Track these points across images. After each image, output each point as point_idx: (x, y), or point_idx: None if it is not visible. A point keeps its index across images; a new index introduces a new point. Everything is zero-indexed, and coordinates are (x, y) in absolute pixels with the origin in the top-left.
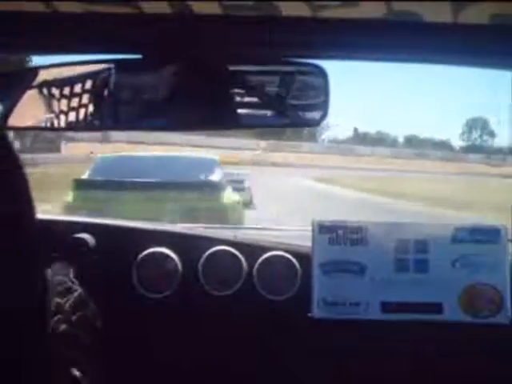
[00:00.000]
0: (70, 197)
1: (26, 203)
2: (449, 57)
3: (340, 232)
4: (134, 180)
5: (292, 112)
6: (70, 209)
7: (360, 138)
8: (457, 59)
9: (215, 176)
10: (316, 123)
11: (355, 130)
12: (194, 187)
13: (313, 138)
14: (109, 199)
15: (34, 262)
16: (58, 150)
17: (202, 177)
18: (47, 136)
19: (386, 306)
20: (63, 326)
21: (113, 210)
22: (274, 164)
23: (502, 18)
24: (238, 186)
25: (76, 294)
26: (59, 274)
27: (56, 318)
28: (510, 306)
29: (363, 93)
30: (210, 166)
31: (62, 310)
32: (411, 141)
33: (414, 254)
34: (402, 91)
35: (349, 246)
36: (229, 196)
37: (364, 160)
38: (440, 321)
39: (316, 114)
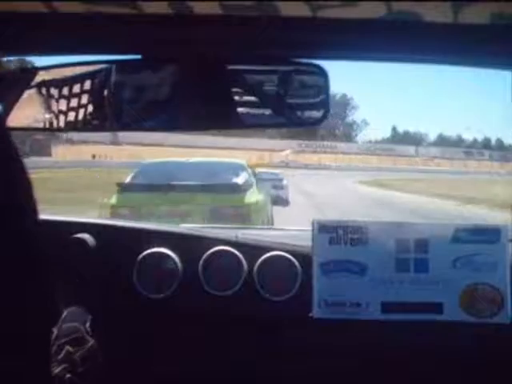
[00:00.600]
0: (113, 199)
1: (27, 204)
2: (449, 57)
3: (340, 232)
4: (169, 183)
5: (292, 112)
6: (114, 209)
7: (399, 138)
8: (457, 59)
9: (240, 179)
10: (316, 123)
11: (394, 128)
12: (220, 189)
13: (348, 137)
14: (148, 201)
15: (36, 264)
16: (48, 153)
17: (229, 179)
18: (37, 137)
19: (386, 306)
20: (68, 376)
21: (150, 209)
22: (307, 166)
23: (502, 18)
24: (277, 184)
25: (88, 345)
26: (75, 321)
27: (63, 367)
28: (510, 306)
29: (401, 92)
30: (236, 169)
31: (71, 359)
32: (458, 140)
33: (415, 254)
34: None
35: (349, 245)
36: (253, 197)
37: (411, 161)
38: (440, 321)
39: (317, 114)
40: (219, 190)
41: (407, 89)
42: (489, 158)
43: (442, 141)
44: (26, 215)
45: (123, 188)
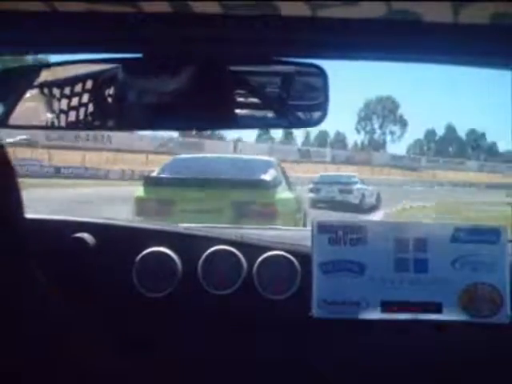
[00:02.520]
0: (140, 192)
1: (15, 202)
2: (449, 57)
3: (340, 232)
4: (195, 177)
5: (292, 112)
6: (141, 202)
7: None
8: (457, 59)
9: (268, 175)
10: (315, 124)
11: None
12: (247, 185)
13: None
14: (174, 194)
15: (30, 262)
16: None
17: (257, 176)
18: None
19: (385, 306)
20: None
21: (178, 202)
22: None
23: (503, 18)
24: (344, 188)
25: None
26: None
27: None
28: (509, 306)
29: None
30: (265, 166)
31: None
32: None
33: (414, 254)
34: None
35: (349, 245)
36: (281, 193)
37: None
38: (440, 320)
39: (316, 115)
40: (247, 186)
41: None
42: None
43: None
44: (15, 214)
45: (151, 181)
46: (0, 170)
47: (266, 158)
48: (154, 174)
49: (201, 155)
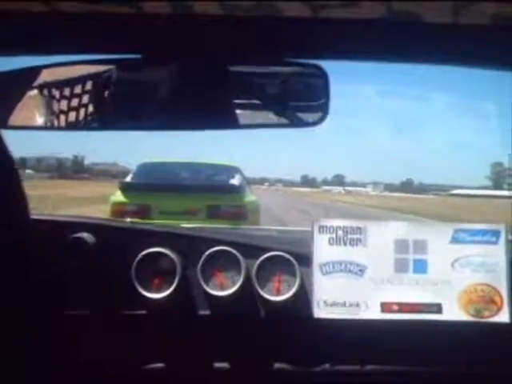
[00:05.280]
0: (118, 196)
1: (20, 203)
2: (449, 57)
3: (340, 232)
4: (171, 182)
5: (292, 113)
6: (121, 207)
7: None
8: (457, 59)
9: (236, 180)
10: (316, 124)
11: None
12: (219, 189)
13: None
14: (151, 198)
15: (35, 261)
16: None
17: (227, 181)
18: None
19: (385, 306)
20: None
21: (157, 207)
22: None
23: (503, 19)
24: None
25: None
26: None
27: None
28: (509, 307)
29: None
30: (232, 172)
31: None
32: None
33: (414, 255)
34: None
35: (349, 246)
36: (247, 196)
37: None
38: (440, 321)
39: (316, 115)
40: (219, 190)
41: None
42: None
43: None
44: (25, 215)
45: (129, 186)
46: (4, 171)
47: (230, 163)
48: (128, 180)
49: (169, 161)
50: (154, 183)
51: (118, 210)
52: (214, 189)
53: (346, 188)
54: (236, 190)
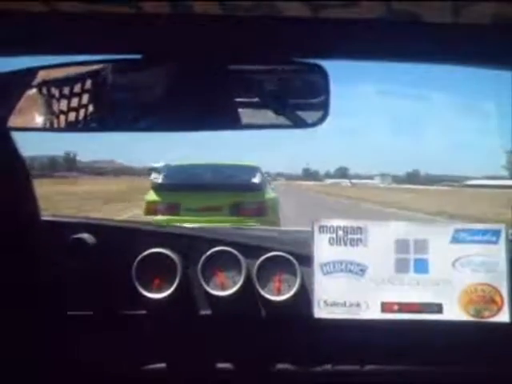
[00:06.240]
0: (151, 196)
1: (29, 203)
2: (449, 57)
3: (340, 232)
4: (198, 182)
5: (292, 113)
6: (153, 205)
7: None
8: (457, 59)
9: (257, 179)
10: (316, 124)
11: None
12: (242, 187)
13: None
14: (180, 197)
15: (36, 261)
16: None
17: (249, 179)
18: None
19: (386, 306)
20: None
21: (187, 205)
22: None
23: (503, 18)
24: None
25: None
26: None
27: None
28: (510, 306)
29: None
30: (253, 171)
31: None
32: None
33: (414, 255)
34: None
35: (349, 246)
36: (268, 194)
37: None
38: (440, 321)
39: (317, 115)
40: (242, 188)
41: None
42: None
43: None
44: (27, 215)
45: (160, 186)
46: (14, 172)
47: (251, 163)
48: (159, 181)
49: (195, 163)
50: (183, 183)
51: (152, 208)
52: (237, 187)
53: (353, 181)
54: (257, 188)
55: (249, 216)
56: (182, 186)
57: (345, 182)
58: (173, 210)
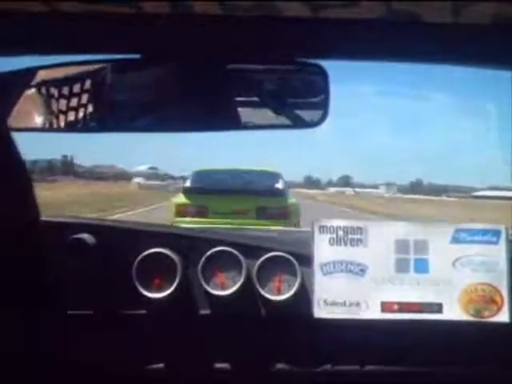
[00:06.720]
0: (180, 198)
1: (29, 203)
2: (449, 57)
3: (340, 232)
4: (225, 187)
5: (292, 113)
6: (180, 206)
7: None
8: (457, 59)
9: (280, 185)
10: (316, 124)
11: None
12: (267, 192)
13: None
14: (208, 200)
15: (36, 261)
16: None
17: (272, 185)
18: None
19: (386, 306)
20: None
21: (214, 208)
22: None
23: (503, 18)
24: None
25: None
26: None
27: None
28: (510, 306)
29: None
30: (276, 177)
31: None
32: None
33: (415, 255)
34: None
35: (349, 246)
36: (290, 199)
37: None
38: (440, 320)
39: (317, 115)
40: (267, 193)
41: None
42: None
43: None
44: (27, 215)
45: (189, 190)
46: (14, 172)
47: (273, 169)
48: (188, 185)
49: (221, 168)
50: (211, 187)
51: (181, 211)
52: (262, 192)
53: (356, 189)
54: (281, 194)
55: (274, 219)
56: (209, 190)
57: (348, 190)
58: (201, 212)
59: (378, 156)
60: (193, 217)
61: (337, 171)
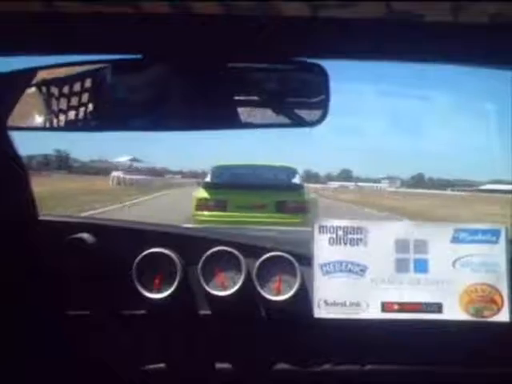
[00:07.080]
0: (201, 193)
1: (28, 203)
2: (449, 57)
3: (340, 232)
4: (244, 182)
5: (292, 112)
6: (201, 201)
7: None
8: (457, 59)
9: (297, 180)
10: (316, 124)
11: None
12: (285, 187)
13: None
14: (228, 194)
15: (36, 261)
16: None
17: (290, 180)
18: None
19: (386, 306)
20: None
21: (234, 202)
22: None
23: (503, 18)
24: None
25: None
26: None
27: None
28: (510, 306)
29: None
30: (293, 172)
31: None
32: None
33: (414, 255)
34: None
35: (349, 246)
36: (307, 194)
37: None
38: (440, 320)
39: (317, 115)
40: (285, 188)
41: None
42: None
43: None
44: (26, 215)
45: (209, 184)
46: (12, 171)
47: (290, 165)
48: (208, 179)
49: (239, 163)
50: (230, 182)
51: (201, 205)
52: (281, 187)
53: (359, 184)
54: (299, 188)
55: (292, 213)
56: (229, 184)
57: (350, 185)
58: (220, 206)
59: (380, 152)
60: (212, 211)
61: (339, 167)
